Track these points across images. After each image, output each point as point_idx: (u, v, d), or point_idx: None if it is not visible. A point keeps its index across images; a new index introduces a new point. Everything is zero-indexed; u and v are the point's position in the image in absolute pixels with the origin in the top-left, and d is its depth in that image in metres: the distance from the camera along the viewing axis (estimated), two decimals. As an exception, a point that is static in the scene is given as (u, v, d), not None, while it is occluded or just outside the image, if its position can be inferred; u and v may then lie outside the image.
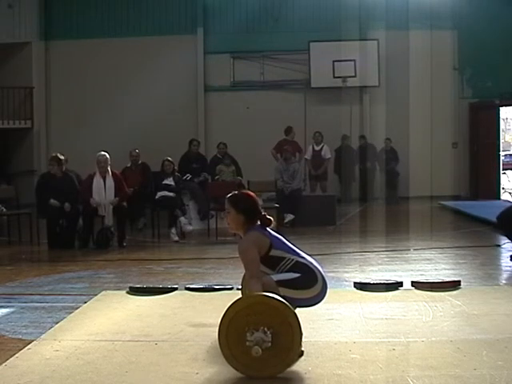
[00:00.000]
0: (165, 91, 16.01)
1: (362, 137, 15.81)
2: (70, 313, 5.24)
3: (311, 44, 15.83)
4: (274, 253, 4.14)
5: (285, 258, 4.14)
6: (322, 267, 4.27)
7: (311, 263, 4.20)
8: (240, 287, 5.98)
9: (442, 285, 5.90)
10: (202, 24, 16.57)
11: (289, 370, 3.77)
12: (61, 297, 5.97)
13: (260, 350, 3.63)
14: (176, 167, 10.83)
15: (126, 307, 5.46)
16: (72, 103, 16.53)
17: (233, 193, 4.42)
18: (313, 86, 16.02)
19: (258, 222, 4.25)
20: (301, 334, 3.69)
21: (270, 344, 3.65)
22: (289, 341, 3.68)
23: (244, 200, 4.32)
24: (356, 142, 15.79)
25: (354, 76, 15.79)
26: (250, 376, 3.73)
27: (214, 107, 16.58)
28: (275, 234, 4.25)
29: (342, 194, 15.16)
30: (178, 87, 16.24)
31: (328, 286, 4.24)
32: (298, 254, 4.21)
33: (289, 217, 11.25)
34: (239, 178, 11.85)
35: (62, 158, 9.76)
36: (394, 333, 4.48)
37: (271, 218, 4.29)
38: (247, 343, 3.66)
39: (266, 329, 3.66)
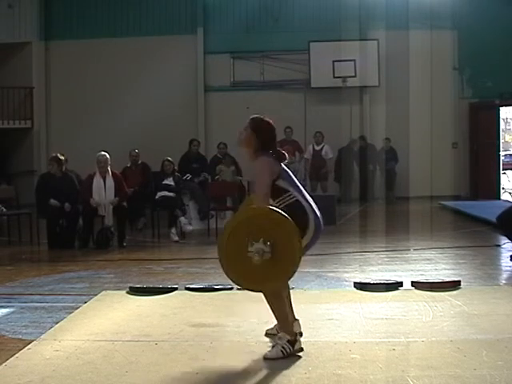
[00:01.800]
0: (165, 91, 16.00)
1: (362, 137, 15.80)
2: (70, 313, 5.24)
3: (311, 44, 15.83)
4: (281, 183, 4.09)
5: (288, 191, 4.09)
6: (318, 209, 4.19)
7: (309, 206, 4.11)
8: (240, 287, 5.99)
9: (442, 285, 5.90)
10: (202, 24, 16.56)
11: (289, 369, 3.77)
12: (61, 297, 5.97)
13: (260, 258, 3.66)
14: (176, 167, 10.83)
15: (126, 307, 5.46)
16: (72, 103, 16.52)
17: (257, 115, 4.34)
18: (313, 86, 16.01)
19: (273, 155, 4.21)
20: (300, 247, 3.71)
21: (269, 255, 3.68)
22: (289, 253, 3.71)
23: (265, 124, 4.26)
24: (356, 143, 15.78)
25: (354, 76, 15.77)
26: (250, 289, 3.77)
27: (214, 107, 16.57)
28: (285, 168, 4.19)
29: (341, 194, 15.16)
30: (178, 87, 16.23)
31: (322, 226, 4.15)
32: (301, 193, 4.15)
33: (289, 217, 11.24)
34: (239, 177, 11.85)
35: (61, 158, 9.76)
36: (393, 333, 4.48)
37: (285, 153, 4.26)
38: (248, 254, 3.69)
39: (266, 240, 3.69)
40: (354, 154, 15.57)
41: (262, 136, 4.18)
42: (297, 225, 3.96)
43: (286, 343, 4.02)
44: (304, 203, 4.10)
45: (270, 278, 3.73)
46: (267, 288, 3.78)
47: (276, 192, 4.08)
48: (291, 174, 4.21)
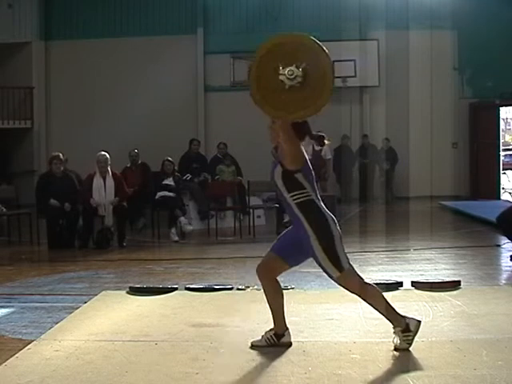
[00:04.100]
0: (165, 91, 16.00)
1: (365, 136, 15.80)
2: (70, 313, 5.23)
3: (311, 44, 15.82)
4: (300, 177, 4.02)
5: (305, 188, 4.02)
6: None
7: (324, 208, 4.09)
8: (240, 287, 6.00)
9: (442, 285, 5.90)
10: (202, 24, 16.57)
11: (289, 369, 3.77)
12: (61, 297, 5.97)
13: (291, 81, 3.64)
14: (176, 167, 10.84)
15: (126, 307, 5.46)
16: (72, 103, 16.52)
17: None
18: (313, 85, 16.02)
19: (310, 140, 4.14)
20: (332, 78, 3.70)
21: (301, 79, 3.66)
22: (320, 83, 3.70)
23: None
24: (356, 142, 15.79)
25: (354, 76, 15.78)
26: (282, 118, 3.74)
27: (214, 107, 16.57)
28: (309, 165, 4.11)
29: (341, 194, 15.16)
30: (178, 87, 16.23)
31: (337, 223, 4.12)
32: (316, 195, 4.08)
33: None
34: (239, 177, 11.84)
35: (61, 157, 9.78)
36: (394, 333, 4.47)
37: (324, 136, 4.19)
38: (280, 77, 3.68)
39: (298, 65, 3.68)
40: (354, 154, 15.58)
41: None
42: (316, 228, 3.98)
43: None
44: (319, 204, 4.06)
45: (299, 107, 3.70)
46: (294, 117, 3.76)
47: (294, 185, 4.02)
48: (313, 172, 4.12)
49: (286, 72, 3.68)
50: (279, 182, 4.05)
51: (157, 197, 10.24)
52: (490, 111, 16.17)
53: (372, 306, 4.16)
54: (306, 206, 4.02)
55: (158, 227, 10.15)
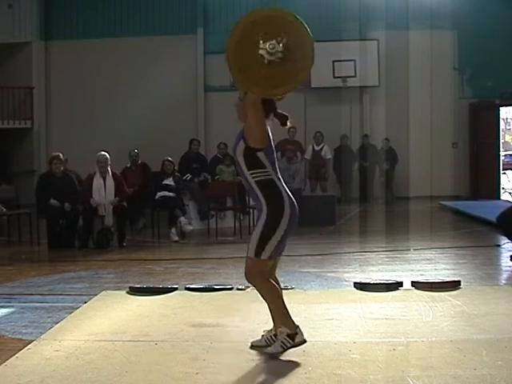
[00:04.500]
0: (165, 91, 16.00)
1: (365, 136, 15.80)
2: (70, 313, 5.24)
3: (311, 44, 15.81)
4: (261, 156, 4.00)
5: (265, 168, 4.01)
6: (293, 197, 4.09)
7: (284, 189, 4.04)
8: (240, 287, 6.00)
9: (442, 285, 5.90)
10: (202, 24, 16.56)
11: (289, 369, 3.77)
12: (61, 297, 5.97)
13: (271, 56, 3.63)
14: (176, 167, 10.84)
15: (126, 307, 5.46)
16: (72, 103, 16.52)
17: None
18: (313, 86, 15.97)
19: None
20: (312, 53, 3.71)
21: (281, 55, 3.65)
22: (301, 56, 3.70)
23: None
24: (356, 142, 15.79)
25: (354, 76, 15.78)
26: (258, 93, 3.73)
27: (214, 107, 16.56)
28: (272, 145, 4.10)
29: (341, 194, 15.16)
30: (178, 87, 16.22)
31: (297, 212, 4.04)
32: (277, 175, 4.07)
33: (288, 217, 11.23)
34: (239, 177, 11.83)
35: (61, 157, 9.78)
36: (393, 333, 4.47)
37: (287, 116, 4.16)
38: (260, 51, 3.65)
39: (279, 40, 3.67)
40: (354, 154, 15.58)
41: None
42: (271, 205, 3.95)
43: (286, 337, 4.01)
44: (278, 183, 4.04)
45: (280, 82, 3.68)
46: (276, 93, 3.79)
47: (253, 162, 4.00)
48: (275, 154, 4.13)
49: (267, 46, 3.65)
50: (240, 159, 4.04)
51: (157, 197, 10.24)
52: (489, 111, 16.16)
53: (266, 302, 4.07)
54: (266, 184, 4.00)
55: (158, 227, 10.16)
